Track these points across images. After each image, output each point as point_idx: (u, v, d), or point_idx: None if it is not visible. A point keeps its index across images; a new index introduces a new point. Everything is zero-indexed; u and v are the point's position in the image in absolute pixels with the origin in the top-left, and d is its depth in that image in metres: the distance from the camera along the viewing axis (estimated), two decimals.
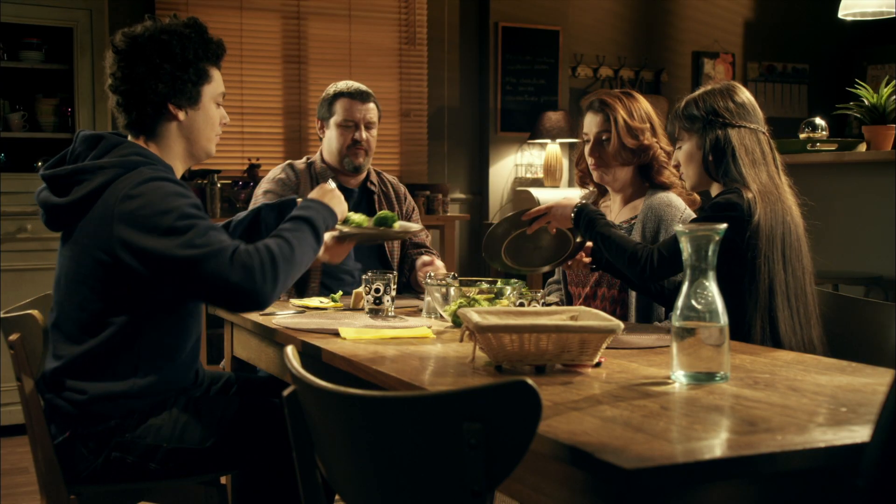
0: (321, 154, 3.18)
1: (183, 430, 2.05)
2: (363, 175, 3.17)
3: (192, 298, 2.08)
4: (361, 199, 3.18)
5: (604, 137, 2.67)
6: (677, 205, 2.65)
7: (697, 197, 2.73)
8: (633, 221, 2.69)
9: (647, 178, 2.72)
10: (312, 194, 2.28)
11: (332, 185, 2.35)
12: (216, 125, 2.21)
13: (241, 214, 2.55)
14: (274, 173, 3.11)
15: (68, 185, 2.02)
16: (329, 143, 3.11)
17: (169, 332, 2.08)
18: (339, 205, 2.28)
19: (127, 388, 2.01)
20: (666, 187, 2.70)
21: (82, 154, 2.06)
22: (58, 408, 2.02)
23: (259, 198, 3.07)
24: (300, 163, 3.17)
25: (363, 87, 3.14)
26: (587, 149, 2.71)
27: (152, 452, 2.03)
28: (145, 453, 2.03)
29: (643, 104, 2.71)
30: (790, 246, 2.22)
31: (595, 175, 2.73)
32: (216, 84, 2.20)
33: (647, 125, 2.68)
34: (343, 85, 3.13)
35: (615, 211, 2.78)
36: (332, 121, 3.08)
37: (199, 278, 1.87)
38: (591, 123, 2.70)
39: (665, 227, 2.60)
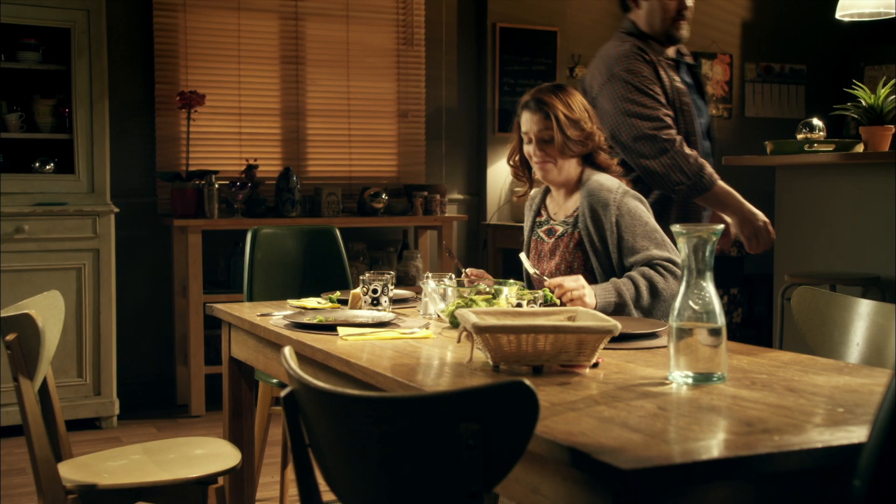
0: (636, 25, 3.14)
1: None
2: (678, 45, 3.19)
3: None
4: (684, 69, 3.21)
5: (545, 137, 2.61)
6: (610, 186, 2.58)
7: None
8: (576, 214, 2.64)
9: (589, 164, 2.68)
10: None
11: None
12: None
13: None
14: (628, 55, 3.01)
15: None
16: (651, 13, 3.10)
17: None
18: None
19: None
20: (605, 168, 2.66)
21: None
22: None
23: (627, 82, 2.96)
24: (630, 41, 3.06)
25: None
26: (531, 148, 2.65)
27: None
28: None
29: (578, 96, 2.67)
30: None
31: (540, 174, 2.66)
32: None
33: (586, 114, 2.64)
34: None
35: (559, 206, 2.73)
36: None
37: None
38: (529, 122, 2.65)
39: (603, 212, 2.54)
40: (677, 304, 1.66)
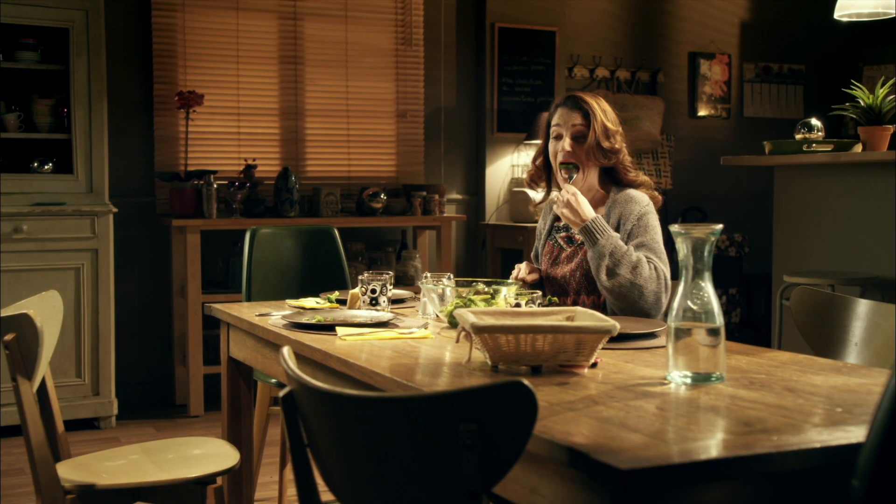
0: None
1: None
2: None
3: None
4: None
5: (578, 134, 2.64)
6: (638, 199, 2.63)
7: (659, 196, 2.72)
8: None
9: (614, 181, 2.72)
10: None
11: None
12: None
13: None
14: None
15: None
16: None
17: None
18: None
19: None
20: (635, 185, 2.70)
21: None
22: None
23: None
24: None
25: None
26: (561, 144, 2.65)
27: None
28: None
29: (612, 110, 2.71)
30: None
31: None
32: None
33: (619, 130, 2.69)
34: None
35: None
36: None
37: None
38: (565, 117, 2.66)
39: (623, 220, 2.60)
40: (676, 303, 1.66)
